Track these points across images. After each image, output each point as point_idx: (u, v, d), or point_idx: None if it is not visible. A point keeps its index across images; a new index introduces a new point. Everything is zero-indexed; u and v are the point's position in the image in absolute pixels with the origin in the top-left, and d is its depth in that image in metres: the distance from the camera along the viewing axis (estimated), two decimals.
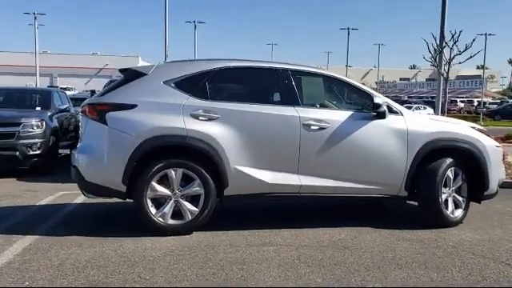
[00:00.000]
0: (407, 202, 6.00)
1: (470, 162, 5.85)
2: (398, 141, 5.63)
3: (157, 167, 5.10)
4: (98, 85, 49.13)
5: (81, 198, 7.21)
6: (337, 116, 5.59)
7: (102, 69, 50.55)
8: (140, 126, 5.11)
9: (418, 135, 5.67)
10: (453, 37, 12.84)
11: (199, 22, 56.43)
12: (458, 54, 12.74)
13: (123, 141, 5.09)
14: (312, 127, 5.45)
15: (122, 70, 5.83)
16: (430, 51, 13.55)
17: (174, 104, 5.25)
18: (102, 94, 5.48)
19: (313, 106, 5.71)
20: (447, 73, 12.88)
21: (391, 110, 5.69)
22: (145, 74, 5.42)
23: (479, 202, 6.07)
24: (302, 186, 5.44)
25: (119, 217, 6.12)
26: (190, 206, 5.20)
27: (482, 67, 60.10)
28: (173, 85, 5.35)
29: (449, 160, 5.72)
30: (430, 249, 4.86)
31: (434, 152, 5.70)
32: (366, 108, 5.73)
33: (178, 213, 5.21)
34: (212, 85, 5.46)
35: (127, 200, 5.33)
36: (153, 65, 5.65)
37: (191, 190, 5.21)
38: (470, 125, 6.12)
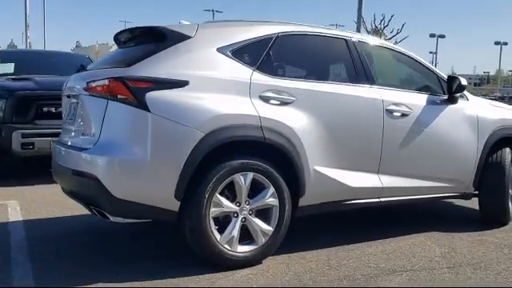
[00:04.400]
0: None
1: None
2: (470, 129, 4.82)
3: (222, 172, 3.50)
4: None
5: (17, 213, 5.13)
6: (416, 99, 4.54)
7: None
8: (200, 113, 3.43)
9: (487, 123, 4.93)
10: (382, 20, 12.56)
11: None
12: (388, 39, 12.49)
13: (177, 135, 3.37)
14: (394, 113, 4.31)
15: (135, 30, 4.01)
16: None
17: (237, 81, 3.65)
18: (128, 65, 3.52)
19: (388, 86, 4.52)
20: None
21: None
22: (188, 37, 3.69)
23: None
24: (383, 189, 4.30)
25: (116, 236, 4.31)
26: (262, 225, 3.70)
27: None
28: (229, 53, 3.72)
29: (509, 150, 5.09)
30: None
31: (499, 142, 5.01)
32: (436, 91, 4.80)
33: (244, 235, 3.69)
34: (278, 55, 3.97)
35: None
36: (191, 24, 3.90)
37: (263, 201, 3.71)
38: None
